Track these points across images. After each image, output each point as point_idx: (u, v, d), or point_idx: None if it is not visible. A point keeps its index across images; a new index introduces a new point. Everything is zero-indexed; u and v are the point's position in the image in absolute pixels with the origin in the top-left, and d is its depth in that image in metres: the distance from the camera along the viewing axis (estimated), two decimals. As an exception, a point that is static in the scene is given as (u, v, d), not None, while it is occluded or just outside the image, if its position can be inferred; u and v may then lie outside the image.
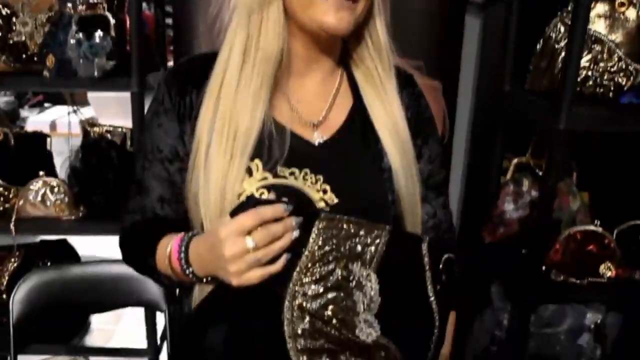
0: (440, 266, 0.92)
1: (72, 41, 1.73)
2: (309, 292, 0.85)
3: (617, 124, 1.61)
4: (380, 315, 0.87)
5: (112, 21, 1.76)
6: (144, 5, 2.22)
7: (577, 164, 1.89)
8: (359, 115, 1.02)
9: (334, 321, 0.85)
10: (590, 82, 1.66)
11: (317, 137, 1.00)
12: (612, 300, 1.78)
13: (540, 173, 1.79)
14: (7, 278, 1.91)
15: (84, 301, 1.75)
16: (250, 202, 0.84)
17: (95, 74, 1.72)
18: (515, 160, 1.81)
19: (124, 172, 1.83)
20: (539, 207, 1.69)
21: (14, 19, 1.87)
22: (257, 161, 0.94)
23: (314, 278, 0.86)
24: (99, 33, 1.72)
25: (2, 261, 1.93)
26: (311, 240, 0.86)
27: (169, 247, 0.94)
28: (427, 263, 0.91)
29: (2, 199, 1.89)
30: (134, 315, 2.07)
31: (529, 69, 1.78)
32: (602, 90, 1.66)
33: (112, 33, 1.75)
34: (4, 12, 1.86)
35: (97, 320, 2.08)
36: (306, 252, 0.85)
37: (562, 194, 1.77)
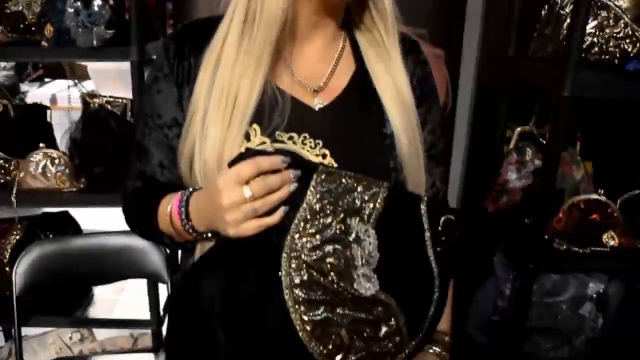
0: (440, 227, 0.92)
1: (71, 10, 1.71)
2: (307, 245, 0.86)
3: (623, 91, 1.59)
4: (380, 271, 0.88)
5: (111, -11, 1.74)
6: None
7: (581, 133, 1.87)
8: (361, 80, 1.01)
9: (332, 273, 0.86)
10: (596, 49, 1.63)
11: (318, 102, 0.99)
12: (615, 269, 1.77)
13: (544, 142, 1.77)
14: (9, 251, 1.91)
15: (87, 273, 1.76)
16: (249, 153, 0.85)
17: (94, 43, 1.70)
18: (518, 129, 1.80)
19: (125, 142, 1.82)
20: (542, 176, 1.68)
21: (11, -11, 1.84)
22: (255, 126, 0.93)
23: (311, 231, 0.86)
24: (97, 1, 1.70)
25: (4, 234, 1.93)
26: (309, 193, 0.86)
27: (169, 204, 0.95)
28: (426, 222, 0.91)
29: (2, 171, 1.89)
30: (137, 287, 2.07)
31: (533, 36, 1.76)
32: (607, 56, 1.63)
33: (111, 1, 1.72)
34: (1, -18, 1.83)
35: (100, 292, 2.09)
36: (304, 205, 0.86)
37: (565, 163, 1.76)
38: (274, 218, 0.85)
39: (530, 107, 1.88)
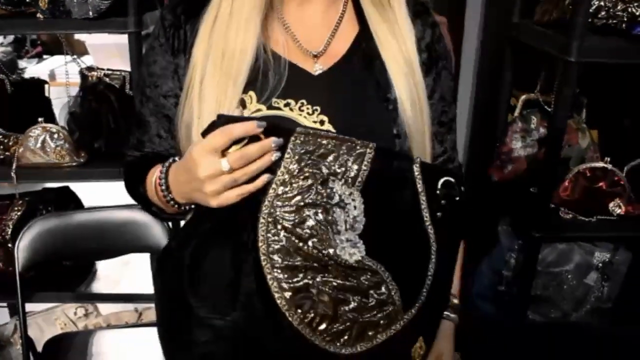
0: (438, 190, 0.87)
1: (65, -19, 1.67)
2: (285, 209, 0.82)
3: (630, 56, 1.56)
4: (367, 236, 0.84)
5: (106, -42, 1.70)
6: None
7: (587, 100, 1.85)
8: (364, 44, 0.98)
9: (313, 239, 0.82)
10: (603, 13, 1.60)
11: (317, 68, 0.96)
12: (621, 237, 1.76)
13: (549, 109, 1.74)
14: (11, 227, 1.90)
15: (89, 248, 1.75)
16: (221, 120, 0.81)
17: (90, 14, 1.67)
18: (523, 97, 1.77)
19: (124, 115, 1.80)
20: (547, 144, 1.66)
21: (4, -40, 1.80)
22: (251, 93, 0.92)
23: (290, 194, 0.82)
24: (92, -29, 1.66)
25: (5, 210, 1.92)
26: (286, 155, 0.82)
27: (155, 175, 0.94)
28: (421, 185, 0.86)
29: (1, 147, 1.86)
30: (140, 261, 2.07)
31: (538, 1, 1.72)
32: (615, 21, 1.60)
33: (106, -29, 1.69)
34: (-7, -47, 1.79)
35: (104, 267, 2.08)
36: (281, 168, 0.82)
37: (571, 131, 1.74)
38: (255, 185, 0.82)
39: (536, 74, 1.85)
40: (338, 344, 0.84)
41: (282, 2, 0.96)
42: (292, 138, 0.82)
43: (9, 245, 1.88)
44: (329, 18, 0.99)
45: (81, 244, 1.73)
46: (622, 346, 1.78)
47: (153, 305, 2.05)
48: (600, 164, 1.66)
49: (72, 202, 1.99)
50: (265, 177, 0.82)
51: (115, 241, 1.73)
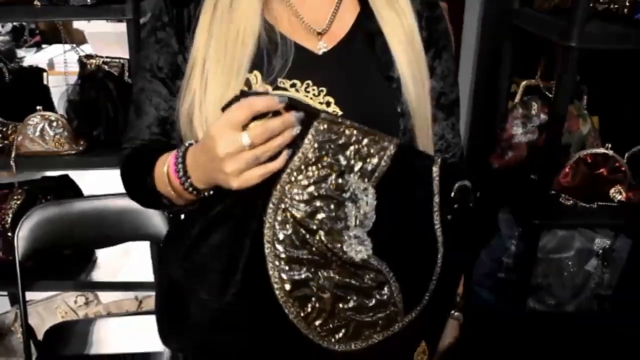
0: (452, 194, 0.84)
1: (62, -33, 1.66)
2: (297, 197, 0.78)
3: (632, 42, 1.55)
4: (375, 234, 0.81)
5: (104, -56, 1.69)
6: None
7: (588, 87, 1.84)
8: (366, 22, 0.96)
9: (321, 232, 0.79)
10: (604, -2, 1.59)
11: (321, 46, 0.95)
12: (622, 224, 1.76)
13: (550, 96, 1.73)
14: (10, 216, 1.89)
15: (89, 236, 1.75)
16: (243, 96, 0.76)
17: (88, 1, 1.66)
18: (524, 83, 1.76)
19: (123, 103, 1.79)
20: (548, 131, 1.65)
21: (0, -52, 1.79)
22: (256, 72, 0.90)
23: (304, 183, 0.78)
24: (89, -42, 1.65)
25: (4, 199, 1.91)
26: (306, 141, 0.78)
27: (166, 164, 0.88)
28: (437, 187, 0.83)
29: (0, 135, 1.86)
30: (140, 249, 2.07)
31: (539, -13, 1.71)
32: (616, 6, 1.59)
33: (104, -43, 1.68)
34: (-11, -60, 1.77)
35: (104, 255, 2.08)
36: (299, 154, 0.78)
37: (572, 117, 1.73)
38: (278, 163, 0.77)
39: (536, 60, 1.84)
40: (333, 340, 0.83)
41: None
42: (316, 123, 0.78)
43: (9, 234, 1.88)
44: None
45: (81, 232, 1.73)
46: (621, 334, 1.79)
47: (153, 293, 2.05)
48: (601, 150, 1.65)
49: (72, 191, 1.99)
50: (285, 155, 0.77)
51: (115, 229, 1.73)
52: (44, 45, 3.87)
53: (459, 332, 1.04)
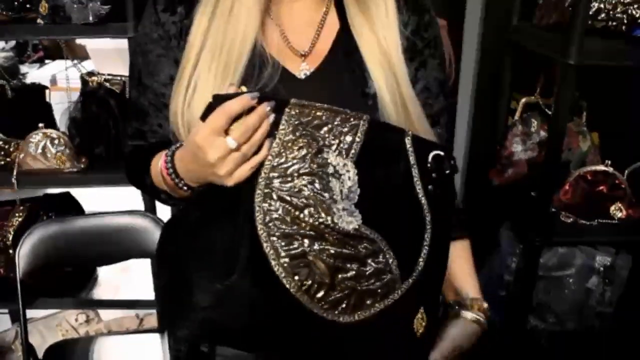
0: (429, 164, 0.88)
1: (65, -15, 1.68)
2: (281, 179, 0.83)
3: (630, 59, 1.55)
4: (362, 206, 0.84)
5: (106, -37, 1.70)
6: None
7: (587, 104, 1.84)
8: (344, 40, 0.97)
9: (310, 208, 0.82)
10: (602, 15, 1.59)
11: (304, 69, 0.97)
12: (623, 241, 1.75)
13: (549, 113, 1.74)
14: (12, 233, 1.90)
15: (90, 254, 1.75)
16: (218, 100, 0.81)
17: (90, 19, 1.67)
18: (523, 100, 1.77)
19: (125, 121, 1.80)
20: (548, 148, 1.65)
21: (4, -34, 1.81)
22: (242, 88, 0.90)
23: (285, 165, 0.83)
24: (92, -23, 1.67)
25: (6, 216, 1.92)
26: (281, 127, 0.83)
27: (159, 163, 0.93)
28: (413, 157, 0.87)
29: (2, 152, 1.87)
30: (141, 267, 2.07)
31: (537, 3, 1.72)
32: (614, 23, 1.59)
33: (106, -24, 1.69)
34: (-7, -41, 1.79)
35: (105, 273, 2.08)
36: (277, 140, 0.83)
37: (571, 134, 1.74)
38: (263, 153, 0.82)
39: (536, 76, 1.84)
40: (336, 312, 0.84)
41: (276, 1, 0.96)
42: (287, 109, 0.83)
43: (10, 251, 1.88)
44: (315, 16, 0.99)
45: (82, 250, 1.73)
46: (623, 351, 1.78)
47: (154, 311, 2.05)
48: (601, 167, 1.65)
49: (73, 208, 1.99)
50: (267, 145, 0.83)
51: (116, 247, 1.73)
52: (47, 61, 3.89)
53: (476, 341, 1.02)
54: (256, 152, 0.82)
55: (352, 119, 0.85)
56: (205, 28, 0.92)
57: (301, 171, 0.83)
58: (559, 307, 1.79)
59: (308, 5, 0.99)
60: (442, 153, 0.89)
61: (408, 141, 0.88)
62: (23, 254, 1.67)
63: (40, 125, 1.82)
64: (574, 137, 1.74)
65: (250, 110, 0.80)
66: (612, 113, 1.92)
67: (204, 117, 0.81)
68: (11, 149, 1.87)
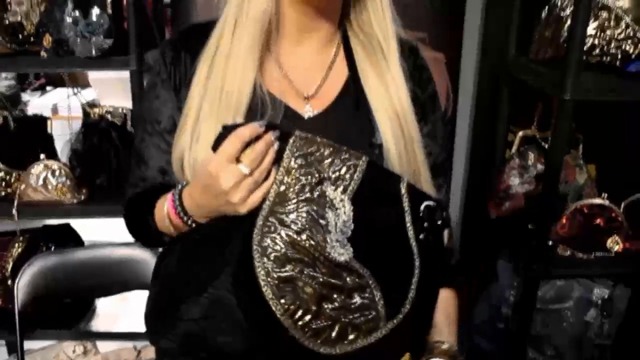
0: (421, 213, 0.91)
1: (69, 20, 1.70)
2: (282, 203, 0.86)
3: (625, 94, 1.58)
4: (355, 241, 0.86)
5: (109, -3, 1.74)
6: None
7: (583, 136, 1.86)
8: (353, 88, 0.99)
9: (306, 232, 0.85)
10: (597, 51, 1.62)
11: (308, 111, 0.98)
12: (620, 274, 1.76)
13: (546, 146, 1.76)
14: (11, 264, 1.90)
15: (89, 285, 1.75)
16: (227, 131, 0.84)
17: (93, 52, 1.70)
18: (520, 133, 1.78)
19: (126, 153, 1.82)
20: (544, 181, 1.67)
21: (9, -1, 1.84)
22: None
23: (287, 192, 0.86)
24: (95, 11, 1.69)
25: (5, 246, 1.93)
26: (285, 156, 0.86)
27: (165, 206, 0.94)
28: (407, 204, 0.90)
29: (3, 183, 1.88)
30: (139, 298, 2.07)
31: (533, 38, 1.74)
32: (609, 58, 1.62)
33: (109, 10, 1.72)
34: (-2, -8, 1.83)
35: (103, 304, 2.08)
36: (280, 168, 0.86)
37: (568, 167, 1.75)
38: (271, 180, 0.86)
39: (532, 109, 1.86)
40: (318, 340, 0.84)
41: (277, 43, 0.97)
42: (291, 140, 0.86)
43: (9, 282, 1.88)
44: (322, 60, 1.01)
45: (81, 282, 1.73)
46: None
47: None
48: (598, 201, 1.66)
49: (73, 240, 2.00)
50: (274, 170, 0.86)
51: (116, 278, 1.73)
52: (48, 88, 3.92)
53: None
54: (265, 179, 0.85)
55: (352, 158, 0.88)
56: (206, 74, 0.94)
57: (301, 197, 0.86)
58: (557, 340, 1.79)
59: (313, 49, 1.00)
60: (433, 204, 0.92)
61: (403, 187, 0.91)
62: (22, 285, 1.67)
63: (42, 156, 1.83)
64: (571, 170, 1.75)
65: (256, 139, 0.84)
66: (609, 144, 1.94)
67: (215, 147, 0.84)
68: (12, 180, 1.88)
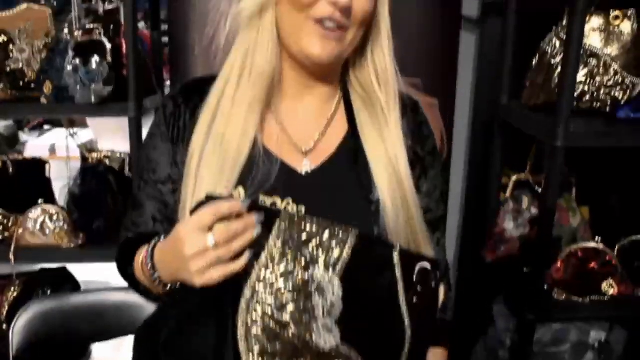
0: (414, 277, 0.88)
1: (69, 67, 1.73)
2: (266, 293, 0.83)
3: (615, 139, 1.61)
4: (343, 322, 0.84)
5: (109, 46, 1.76)
6: (141, 23, 2.23)
7: (576, 178, 1.88)
8: (351, 144, 1.00)
9: (291, 325, 0.83)
10: (587, 97, 1.65)
11: (306, 166, 0.99)
12: (616, 317, 1.76)
13: (540, 190, 1.77)
14: (6, 308, 1.90)
15: (85, 330, 1.74)
16: (209, 200, 0.83)
17: (93, 100, 1.72)
18: (514, 177, 1.80)
19: (123, 197, 1.83)
20: (539, 225, 1.68)
21: (11, 46, 1.87)
22: (240, 189, 0.94)
23: (271, 279, 0.83)
24: (95, 59, 1.72)
25: (1, 290, 1.92)
26: (271, 239, 0.83)
27: (141, 256, 0.95)
28: (399, 272, 0.88)
29: (1, 227, 1.88)
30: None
31: (525, 84, 1.78)
32: (599, 104, 1.65)
33: (109, 58, 1.75)
34: (1, 40, 1.86)
35: (98, 349, 2.06)
36: (265, 252, 0.83)
37: (562, 210, 1.76)
38: (239, 264, 0.82)
39: (526, 153, 1.89)
40: None
41: (277, 98, 0.99)
42: (277, 222, 0.84)
43: (4, 326, 1.87)
44: (321, 115, 1.02)
45: (78, 327, 1.72)
46: None
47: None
48: (592, 245, 1.67)
49: (70, 283, 1.99)
50: (246, 256, 0.82)
51: (112, 323, 1.72)
52: (46, 127, 3.95)
53: None
54: (234, 259, 0.82)
55: (341, 234, 0.86)
56: (208, 126, 0.96)
57: (287, 286, 0.83)
58: (555, 384, 1.79)
59: (313, 105, 1.01)
60: (428, 266, 0.89)
61: (396, 256, 0.88)
62: (17, 330, 1.66)
63: (40, 201, 1.84)
64: (564, 213, 1.77)
65: (239, 216, 0.81)
66: (602, 187, 1.96)
67: (192, 212, 0.83)
68: (10, 224, 1.89)
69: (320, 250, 0.85)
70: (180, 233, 0.82)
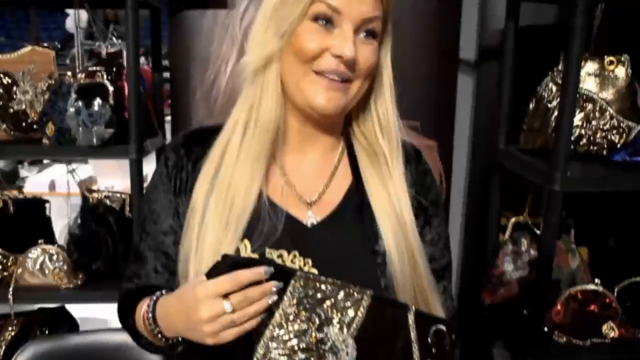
0: (429, 338, 0.89)
1: (72, 109, 1.75)
2: (279, 351, 0.83)
3: (613, 184, 1.61)
4: None
5: (111, 89, 1.79)
6: (142, 59, 2.25)
7: (575, 219, 1.89)
8: (356, 195, 1.00)
9: None
10: (584, 141, 1.67)
11: (311, 218, 0.99)
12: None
13: (538, 231, 1.78)
14: (4, 347, 1.89)
15: (83, 371, 1.73)
16: (227, 262, 0.83)
17: (94, 141, 1.74)
18: (512, 220, 1.81)
19: (123, 238, 1.83)
20: (538, 268, 1.69)
21: (14, 88, 1.89)
22: (245, 242, 0.94)
23: (285, 338, 0.84)
24: (97, 101, 1.74)
25: (-1, 330, 1.91)
26: (285, 298, 0.84)
27: (143, 307, 0.95)
28: (414, 334, 0.88)
29: (0, 267, 1.88)
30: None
31: (522, 128, 1.80)
32: (595, 148, 1.67)
33: (111, 101, 1.77)
34: (5, 81, 1.88)
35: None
36: (279, 311, 0.84)
37: (561, 252, 1.77)
38: (251, 324, 0.83)
39: (525, 192, 1.90)
40: None
41: (281, 150, 1.00)
42: (292, 281, 0.84)
43: (1, 367, 1.86)
44: (325, 166, 1.03)
45: (76, 368, 1.71)
46: None
47: None
48: (591, 287, 1.67)
49: (68, 323, 1.99)
50: (259, 318, 0.83)
51: (111, 365, 1.72)
52: (45, 161, 3.96)
53: None
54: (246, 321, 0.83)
55: (355, 294, 0.86)
56: (211, 178, 0.96)
57: (300, 345, 0.84)
58: None
59: (316, 156, 1.02)
60: (444, 328, 0.89)
61: (411, 317, 0.88)
62: (15, 371, 1.66)
63: (40, 241, 1.85)
64: (563, 255, 1.77)
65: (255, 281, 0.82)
66: (600, 227, 1.96)
67: (209, 275, 0.83)
68: (9, 263, 1.89)
69: (335, 310, 0.85)
70: (198, 295, 0.82)
